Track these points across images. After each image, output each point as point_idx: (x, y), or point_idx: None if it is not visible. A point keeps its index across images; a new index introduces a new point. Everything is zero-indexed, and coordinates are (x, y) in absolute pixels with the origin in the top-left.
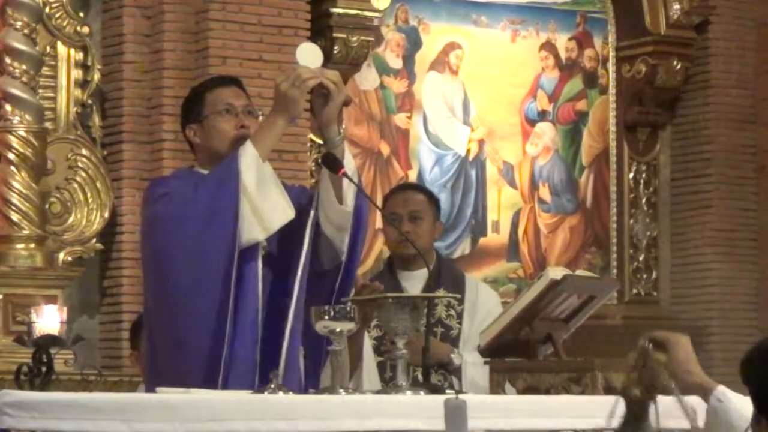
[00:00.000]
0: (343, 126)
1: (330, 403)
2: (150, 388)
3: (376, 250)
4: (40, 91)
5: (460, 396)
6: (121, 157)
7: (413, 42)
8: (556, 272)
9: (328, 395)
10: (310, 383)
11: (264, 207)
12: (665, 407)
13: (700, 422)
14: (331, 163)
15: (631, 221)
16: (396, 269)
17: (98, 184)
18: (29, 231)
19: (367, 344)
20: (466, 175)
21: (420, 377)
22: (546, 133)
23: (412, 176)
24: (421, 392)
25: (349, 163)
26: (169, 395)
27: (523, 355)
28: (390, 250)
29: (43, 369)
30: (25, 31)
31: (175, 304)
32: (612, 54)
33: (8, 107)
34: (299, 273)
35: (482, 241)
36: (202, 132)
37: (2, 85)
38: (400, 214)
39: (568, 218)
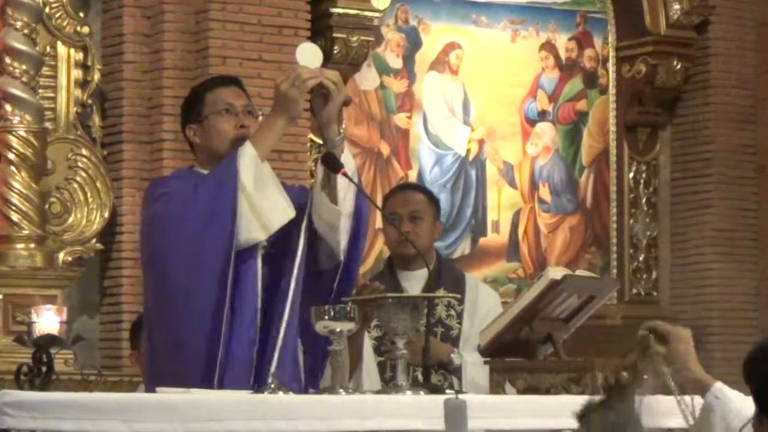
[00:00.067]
0: (343, 126)
1: (330, 403)
2: (150, 388)
3: (376, 250)
4: (40, 91)
5: (460, 396)
6: (121, 157)
7: (413, 42)
8: (556, 272)
9: (328, 395)
10: (310, 383)
11: (263, 206)
12: (655, 405)
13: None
14: (331, 163)
15: (631, 221)
16: (396, 269)
17: (98, 184)
18: (29, 231)
19: (367, 344)
20: (466, 175)
21: (420, 377)
22: (546, 133)
23: (412, 176)
24: (421, 392)
25: (349, 163)
26: (169, 395)
27: (523, 355)
28: (390, 250)
29: (43, 369)
30: (25, 31)
31: (174, 304)
32: (612, 54)
33: (8, 107)
34: (295, 272)
35: (482, 241)
36: (202, 132)
37: (2, 85)
38: (400, 214)
39: (568, 218)
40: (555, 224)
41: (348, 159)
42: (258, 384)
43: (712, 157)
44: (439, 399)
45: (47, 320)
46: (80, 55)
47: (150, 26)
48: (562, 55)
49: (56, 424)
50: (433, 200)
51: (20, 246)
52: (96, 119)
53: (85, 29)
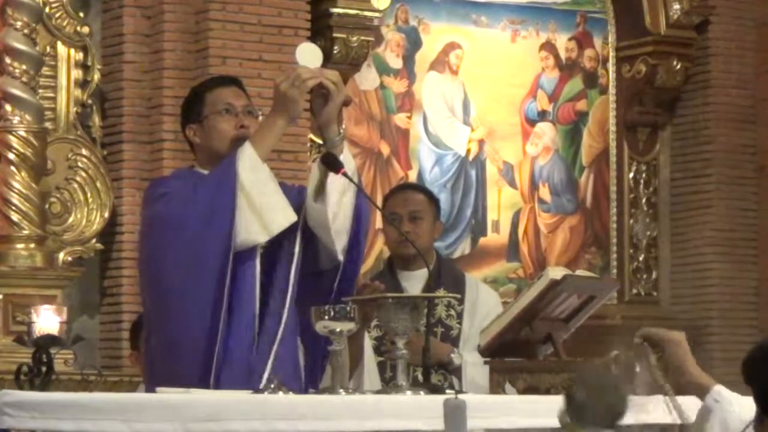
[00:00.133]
0: (343, 126)
1: (330, 403)
2: (149, 389)
3: (376, 250)
4: (40, 91)
5: (460, 396)
6: (121, 157)
7: (413, 42)
8: (556, 272)
9: (328, 395)
10: (310, 383)
11: (263, 206)
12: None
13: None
14: (331, 163)
15: (631, 221)
16: (396, 269)
17: (98, 184)
18: (29, 231)
19: (367, 344)
20: (466, 175)
21: (420, 377)
22: (546, 133)
23: (412, 176)
24: (421, 392)
25: (349, 163)
26: (169, 395)
27: (523, 355)
28: (390, 250)
29: (43, 369)
30: (25, 31)
31: (172, 304)
32: (612, 54)
33: (8, 107)
34: (293, 272)
35: (482, 241)
36: (202, 132)
37: (2, 85)
38: (400, 214)
39: (568, 218)
40: (555, 224)
41: (348, 159)
42: (254, 384)
43: (712, 157)
44: (438, 399)
45: (47, 320)
46: (80, 55)
47: (150, 26)
48: (562, 55)
49: (56, 424)
50: (433, 200)
51: (20, 246)
52: (96, 119)
53: (85, 29)
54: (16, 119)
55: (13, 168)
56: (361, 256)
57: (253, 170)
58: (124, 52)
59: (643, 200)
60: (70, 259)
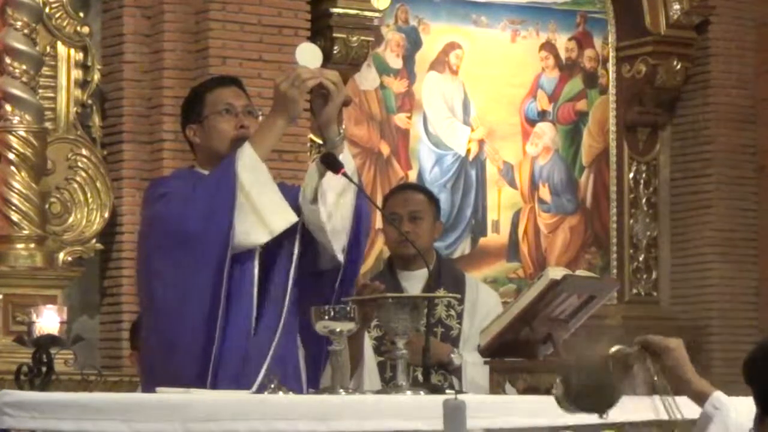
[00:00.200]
0: (343, 126)
1: (330, 403)
2: (146, 388)
3: (376, 250)
4: (40, 91)
5: (460, 396)
6: (121, 157)
7: (413, 42)
8: (556, 272)
9: (328, 395)
10: (312, 383)
11: (264, 207)
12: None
13: (679, 416)
14: (331, 163)
15: (631, 221)
16: (396, 269)
17: (98, 184)
18: (29, 231)
19: (367, 344)
20: (466, 175)
21: (420, 377)
22: (546, 133)
23: (412, 176)
24: (421, 392)
25: (349, 163)
26: (169, 395)
27: (523, 355)
28: (390, 250)
29: (43, 369)
30: (25, 31)
31: (171, 303)
32: (612, 54)
33: (8, 107)
34: (291, 273)
35: (482, 241)
36: (202, 132)
37: (2, 85)
38: (400, 214)
39: (568, 218)
40: (555, 224)
41: (348, 159)
42: (252, 384)
43: (712, 157)
44: (438, 399)
45: (47, 320)
46: (80, 55)
47: (150, 26)
48: (562, 55)
49: (56, 424)
50: (433, 200)
51: (20, 246)
52: (96, 119)
53: (85, 29)
54: (16, 119)
55: (13, 168)
56: (362, 256)
57: (252, 170)
58: (124, 52)
59: (643, 200)
60: (70, 259)
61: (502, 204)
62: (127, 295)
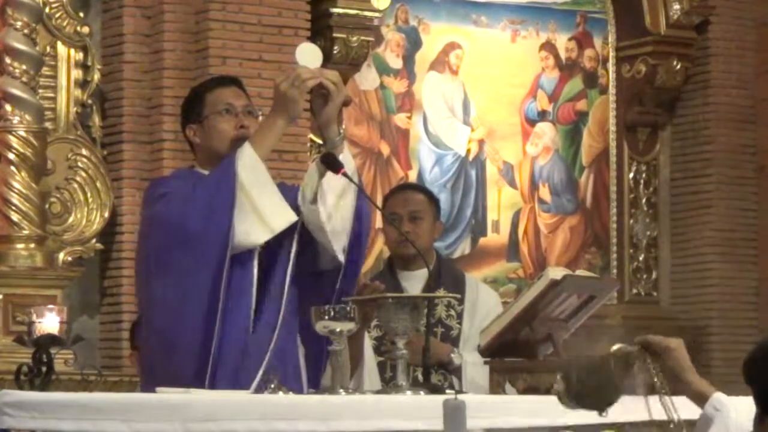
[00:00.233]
0: (343, 126)
1: (330, 403)
2: (146, 388)
3: (376, 250)
4: (40, 91)
5: (460, 396)
6: (121, 157)
7: (413, 42)
8: (556, 272)
9: (328, 395)
10: (313, 383)
11: (264, 207)
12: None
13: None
14: (331, 163)
15: (631, 221)
16: (396, 269)
17: (98, 184)
18: (29, 231)
19: (367, 344)
20: (466, 175)
21: (420, 377)
22: (546, 133)
23: (412, 176)
24: (421, 392)
25: (349, 164)
26: (169, 395)
27: (523, 355)
28: (390, 250)
29: (43, 369)
30: (25, 31)
31: (170, 303)
32: (612, 54)
33: (8, 107)
34: (288, 272)
35: (482, 241)
36: (202, 132)
37: (2, 85)
38: (400, 214)
39: (568, 218)
40: (555, 224)
41: (348, 159)
42: (250, 383)
43: (712, 157)
44: (438, 399)
45: (47, 320)
46: (80, 55)
47: (150, 26)
48: (562, 55)
49: (56, 424)
50: (433, 200)
51: (20, 246)
52: (96, 119)
53: (85, 29)
54: (16, 119)
55: (13, 168)
56: (362, 256)
57: (252, 170)
58: (124, 52)
59: (643, 200)
60: (70, 259)
61: (502, 204)
62: (127, 295)
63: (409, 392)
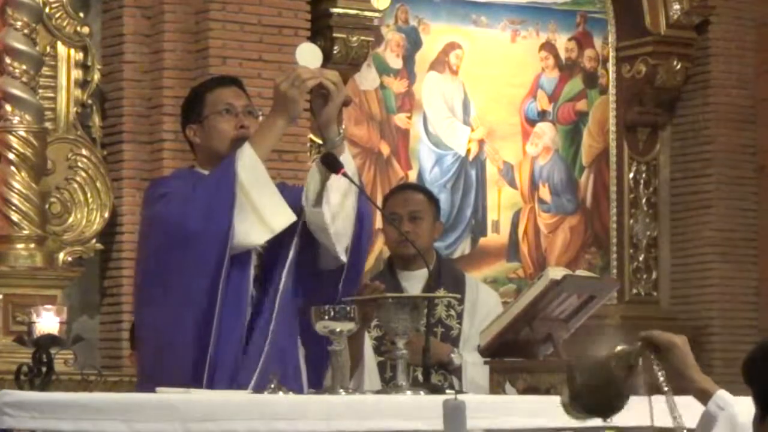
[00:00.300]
0: (343, 126)
1: (330, 403)
2: (141, 388)
3: (376, 250)
4: (40, 91)
5: (460, 396)
6: (121, 157)
7: (413, 42)
8: (556, 272)
9: (328, 395)
10: (312, 383)
11: (263, 207)
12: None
13: (687, 423)
14: (331, 163)
15: (631, 221)
16: (396, 269)
17: (98, 184)
18: (29, 231)
19: (367, 344)
20: (466, 175)
21: (420, 377)
22: (546, 133)
23: (412, 176)
24: (421, 392)
25: (349, 164)
26: (169, 395)
27: (523, 355)
28: (390, 250)
29: (43, 369)
30: (25, 31)
31: (170, 303)
32: (612, 54)
33: (8, 107)
34: (284, 273)
35: (482, 241)
36: (202, 132)
37: (2, 85)
38: (400, 214)
39: (568, 218)
40: (555, 224)
41: (348, 160)
42: (246, 384)
43: (712, 157)
44: (438, 399)
45: (47, 320)
46: (80, 55)
47: (150, 26)
48: (562, 55)
49: (56, 424)
50: (433, 200)
51: (20, 246)
52: (96, 119)
53: (85, 29)
54: (16, 119)
55: (13, 168)
56: (365, 257)
57: (252, 170)
58: (124, 52)
59: (643, 200)
60: (70, 259)
61: (502, 204)
62: (127, 295)
63: (409, 392)
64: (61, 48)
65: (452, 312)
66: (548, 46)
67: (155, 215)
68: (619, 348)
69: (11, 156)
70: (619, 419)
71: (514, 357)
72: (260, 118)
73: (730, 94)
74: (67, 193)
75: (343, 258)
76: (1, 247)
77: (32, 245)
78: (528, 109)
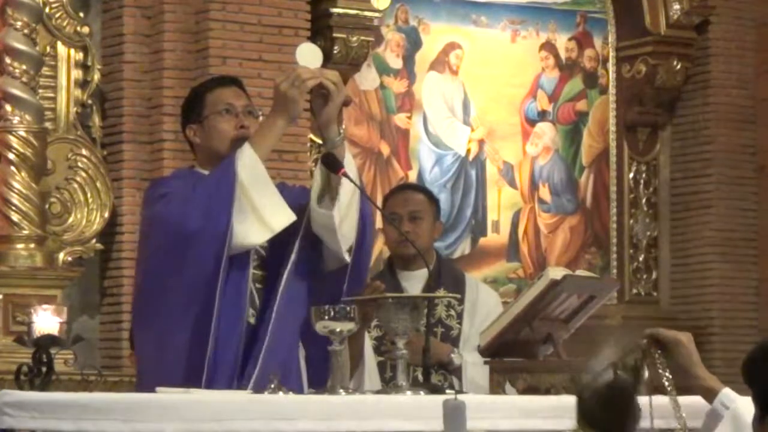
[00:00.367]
0: (343, 126)
1: (330, 403)
2: (141, 388)
3: (376, 250)
4: (40, 91)
5: (460, 396)
6: (121, 157)
7: (413, 42)
8: (556, 272)
9: (328, 395)
10: (312, 383)
11: (263, 207)
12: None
13: (690, 422)
14: (331, 163)
15: (631, 221)
16: (396, 269)
17: (98, 184)
18: (29, 231)
19: (367, 344)
20: (466, 175)
21: (420, 377)
22: (546, 133)
23: (412, 176)
24: (421, 392)
25: (350, 165)
26: (169, 395)
27: (523, 356)
28: (390, 250)
29: (43, 369)
30: (25, 31)
31: (169, 303)
32: (612, 54)
33: (8, 107)
34: (286, 273)
35: (482, 241)
36: (202, 132)
37: (2, 85)
38: (400, 214)
39: (568, 218)
40: (555, 224)
41: (348, 160)
42: (244, 385)
43: (712, 157)
44: (438, 399)
45: (47, 320)
46: (80, 55)
47: (150, 26)
48: (562, 55)
49: (56, 424)
50: (433, 200)
51: (20, 246)
52: (96, 119)
53: (85, 29)
54: (16, 119)
55: (13, 168)
56: (367, 257)
57: (252, 170)
58: (124, 52)
59: (643, 200)
60: (70, 259)
61: (502, 204)
62: (127, 295)
63: (409, 392)
64: (61, 48)
65: (452, 312)
66: (548, 46)
67: (155, 215)
68: (622, 351)
69: (11, 156)
70: None
71: (514, 357)
72: (260, 118)
73: (730, 94)
74: (67, 193)
75: (347, 258)
76: (1, 247)
77: (32, 245)
78: (528, 109)
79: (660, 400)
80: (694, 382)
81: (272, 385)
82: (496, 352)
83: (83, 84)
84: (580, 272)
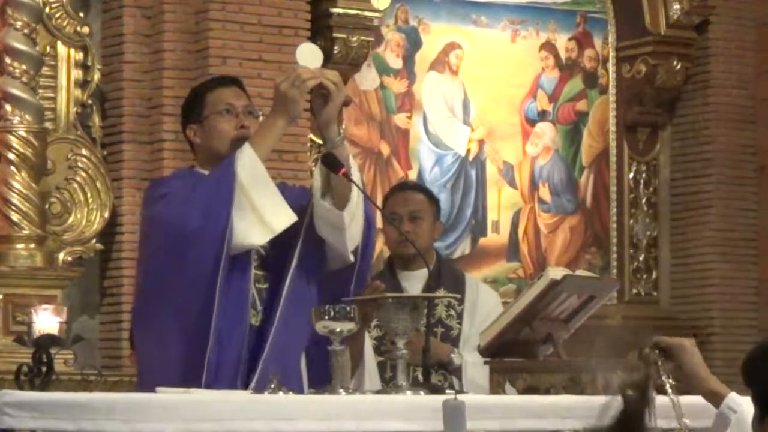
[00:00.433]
0: (343, 126)
1: (330, 403)
2: (141, 387)
3: (377, 250)
4: (40, 91)
5: (460, 396)
6: (121, 157)
7: (413, 42)
8: (556, 272)
9: (328, 395)
10: (312, 383)
11: (263, 207)
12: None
13: (689, 422)
14: (331, 163)
15: (631, 221)
16: (396, 269)
17: (98, 184)
18: (29, 231)
19: (367, 344)
20: (466, 175)
21: (420, 377)
22: (546, 133)
23: (412, 176)
24: (421, 392)
25: (353, 166)
26: (169, 395)
27: (523, 355)
28: (390, 250)
29: (43, 369)
30: (25, 31)
31: (170, 303)
32: (612, 54)
33: (8, 107)
34: (289, 274)
35: (482, 241)
36: (202, 132)
37: (2, 85)
38: (400, 214)
39: (568, 218)
40: (555, 224)
41: (352, 162)
42: (245, 386)
43: (712, 157)
44: (438, 399)
45: (47, 320)
46: (80, 55)
47: (150, 26)
48: (562, 55)
49: (56, 424)
50: (433, 200)
51: (20, 246)
52: (96, 119)
53: (85, 29)
54: (16, 119)
55: (13, 168)
56: (370, 257)
57: (252, 170)
58: (124, 52)
59: (643, 200)
60: (70, 259)
61: (502, 204)
62: (127, 295)
63: (409, 392)
64: (61, 48)
65: (452, 312)
66: (548, 46)
67: (155, 215)
68: (623, 379)
69: (11, 156)
70: None
71: (514, 357)
72: (260, 118)
73: (730, 94)
74: (67, 193)
75: (352, 258)
76: (1, 247)
77: (32, 245)
78: (528, 109)
79: (660, 400)
80: (699, 384)
81: (272, 385)
82: (496, 352)
83: (83, 84)
84: (580, 272)
